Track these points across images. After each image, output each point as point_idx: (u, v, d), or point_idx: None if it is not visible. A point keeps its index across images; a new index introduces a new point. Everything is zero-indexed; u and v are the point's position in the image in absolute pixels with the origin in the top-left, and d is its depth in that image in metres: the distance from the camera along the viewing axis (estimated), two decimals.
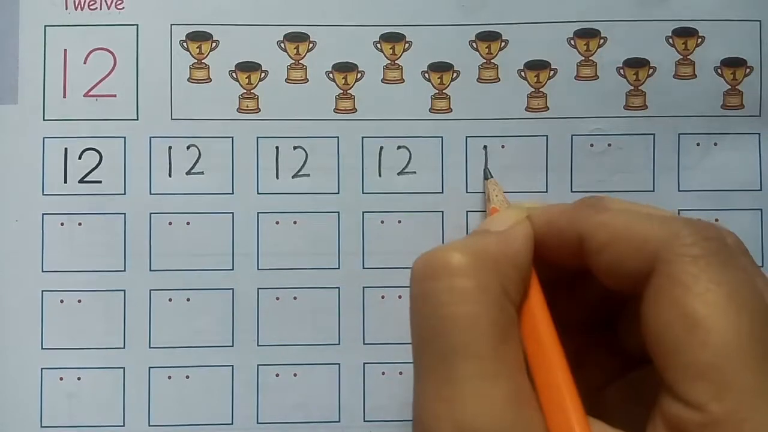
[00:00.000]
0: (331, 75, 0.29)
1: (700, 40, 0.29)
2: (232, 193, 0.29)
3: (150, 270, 0.29)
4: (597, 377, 0.20)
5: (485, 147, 0.29)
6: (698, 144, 0.29)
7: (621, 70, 0.29)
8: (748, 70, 0.29)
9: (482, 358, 0.19)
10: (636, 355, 0.22)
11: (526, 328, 0.20)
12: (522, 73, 0.29)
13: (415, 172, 0.29)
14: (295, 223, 0.29)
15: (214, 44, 0.29)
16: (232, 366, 0.29)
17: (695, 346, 0.17)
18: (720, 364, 0.17)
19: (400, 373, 0.29)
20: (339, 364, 0.29)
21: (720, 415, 0.17)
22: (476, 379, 0.18)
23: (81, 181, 0.29)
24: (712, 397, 0.17)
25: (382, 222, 0.29)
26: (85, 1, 0.29)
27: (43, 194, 0.29)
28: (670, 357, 0.18)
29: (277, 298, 0.29)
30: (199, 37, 0.29)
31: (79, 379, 0.29)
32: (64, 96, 0.29)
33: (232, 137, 0.29)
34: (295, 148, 0.29)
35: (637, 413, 0.19)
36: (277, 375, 0.29)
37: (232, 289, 0.29)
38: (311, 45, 0.29)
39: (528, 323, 0.21)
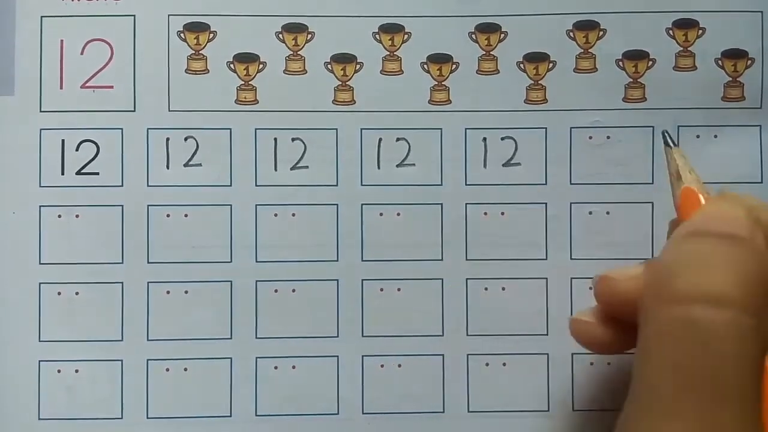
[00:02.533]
0: (329, 66, 0.29)
1: (700, 31, 0.29)
2: (230, 185, 0.29)
3: (148, 262, 0.29)
4: None
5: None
6: (698, 136, 0.29)
7: (620, 63, 0.29)
8: (749, 61, 0.29)
9: (744, 404, 0.17)
10: None
11: None
12: (521, 65, 0.29)
13: (414, 164, 0.29)
14: (293, 215, 0.29)
15: (211, 35, 0.29)
16: (231, 358, 0.29)
17: None
18: None
19: (399, 365, 0.29)
20: (337, 356, 0.29)
21: None
22: (740, 425, 0.17)
23: (78, 172, 0.29)
24: None
25: (381, 214, 0.29)
26: None
27: (41, 186, 0.29)
28: None
29: (276, 291, 0.29)
30: (196, 27, 0.29)
31: (77, 371, 0.29)
32: (61, 87, 0.29)
33: (230, 129, 0.29)
34: (293, 139, 0.29)
35: None
36: (276, 367, 0.29)
37: (231, 281, 0.29)
38: (310, 36, 0.29)
39: None
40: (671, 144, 0.24)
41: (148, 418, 0.29)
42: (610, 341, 0.23)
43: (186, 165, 0.29)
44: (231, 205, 0.29)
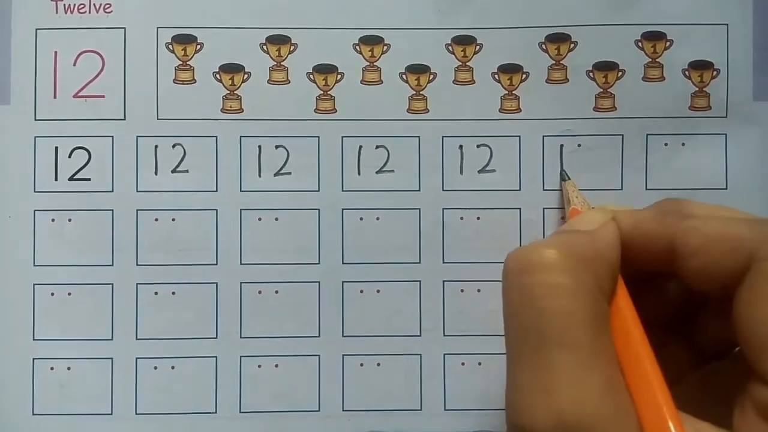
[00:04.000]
0: (311, 76, 0.30)
1: (668, 43, 0.30)
2: (216, 191, 0.30)
3: (137, 264, 0.30)
4: (670, 372, 0.21)
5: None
6: (666, 144, 0.30)
7: (591, 74, 0.30)
8: (715, 72, 0.30)
9: (579, 348, 0.20)
10: (709, 351, 0.24)
11: (614, 324, 0.21)
12: (496, 76, 0.30)
13: (393, 171, 0.30)
14: (276, 219, 0.30)
15: (198, 46, 0.30)
16: (216, 357, 0.30)
17: None
18: None
19: (378, 364, 0.30)
20: (319, 355, 0.30)
21: None
22: (574, 369, 0.19)
23: (71, 178, 0.30)
24: None
25: (361, 219, 0.30)
26: (74, 5, 0.30)
27: (35, 191, 0.30)
28: (765, 349, 0.19)
29: (260, 292, 0.30)
30: (184, 39, 0.30)
31: (69, 369, 0.30)
32: (55, 97, 0.30)
33: (216, 136, 0.30)
34: (277, 147, 0.30)
35: (710, 405, 0.20)
36: (259, 366, 0.30)
37: (216, 283, 0.30)
38: (292, 47, 0.30)
39: (617, 320, 0.21)
40: (565, 178, 0.30)
41: (136, 414, 0.30)
42: None
43: (174, 171, 0.30)
44: (217, 210, 0.30)
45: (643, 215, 0.23)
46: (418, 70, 0.30)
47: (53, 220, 0.30)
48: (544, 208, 0.30)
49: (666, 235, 0.22)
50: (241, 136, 0.30)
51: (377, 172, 0.30)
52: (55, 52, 0.30)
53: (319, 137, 0.30)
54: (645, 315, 0.22)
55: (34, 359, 0.30)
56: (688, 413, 0.20)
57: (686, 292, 0.24)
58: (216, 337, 0.30)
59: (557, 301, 0.20)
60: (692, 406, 0.20)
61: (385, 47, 0.30)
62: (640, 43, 0.30)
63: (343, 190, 0.30)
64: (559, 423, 0.19)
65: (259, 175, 0.30)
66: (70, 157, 0.30)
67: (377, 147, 0.30)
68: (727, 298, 0.21)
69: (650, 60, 0.30)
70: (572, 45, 0.30)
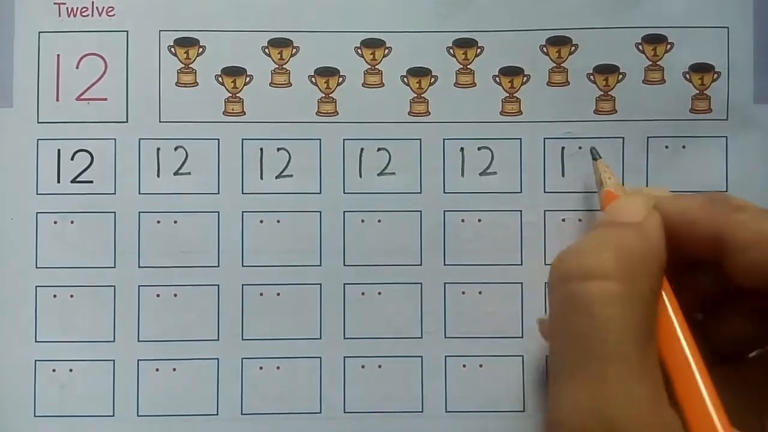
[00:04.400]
0: (313, 79, 0.30)
1: (669, 46, 0.30)
2: (218, 193, 0.30)
3: (139, 266, 0.30)
4: None
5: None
6: (667, 147, 0.30)
7: (591, 76, 0.30)
8: (715, 75, 0.30)
9: (630, 358, 0.19)
10: (724, 352, 0.23)
11: (661, 323, 0.21)
12: (497, 79, 0.30)
13: (394, 173, 0.30)
14: (278, 222, 0.30)
15: (200, 49, 0.30)
16: (218, 359, 0.30)
17: None
18: None
19: (379, 366, 0.30)
20: (320, 357, 0.30)
21: None
22: (625, 380, 0.19)
23: (73, 181, 0.30)
24: None
25: (363, 221, 0.30)
26: (77, 8, 0.30)
27: (37, 194, 0.30)
28: None
29: (261, 294, 0.30)
30: (186, 42, 0.30)
31: (71, 370, 0.30)
32: (57, 99, 0.30)
33: (218, 139, 0.30)
34: (278, 149, 0.30)
35: (732, 407, 0.20)
36: (261, 368, 0.30)
37: (218, 285, 0.30)
38: (294, 50, 0.30)
39: (664, 320, 0.21)
40: (596, 157, 0.29)
41: (138, 415, 0.30)
42: None
43: (176, 173, 0.30)
44: (218, 212, 0.30)
45: (689, 203, 0.22)
46: (419, 72, 0.30)
47: (55, 222, 0.30)
48: (545, 211, 0.30)
49: (714, 226, 0.21)
50: (243, 139, 0.30)
51: (378, 175, 0.30)
52: (58, 55, 0.30)
53: (320, 140, 0.30)
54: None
55: (35, 361, 0.30)
56: None
57: (714, 286, 0.23)
58: (217, 339, 0.30)
59: (613, 310, 0.19)
60: None
61: (387, 50, 0.30)
62: (640, 46, 0.30)
63: (344, 193, 0.30)
64: None
65: (261, 178, 0.30)
66: (72, 159, 0.30)
67: (378, 149, 0.30)
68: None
69: (651, 63, 0.30)
70: (573, 48, 0.30)
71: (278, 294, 0.30)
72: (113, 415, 0.30)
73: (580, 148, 0.30)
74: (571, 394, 0.20)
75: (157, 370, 0.30)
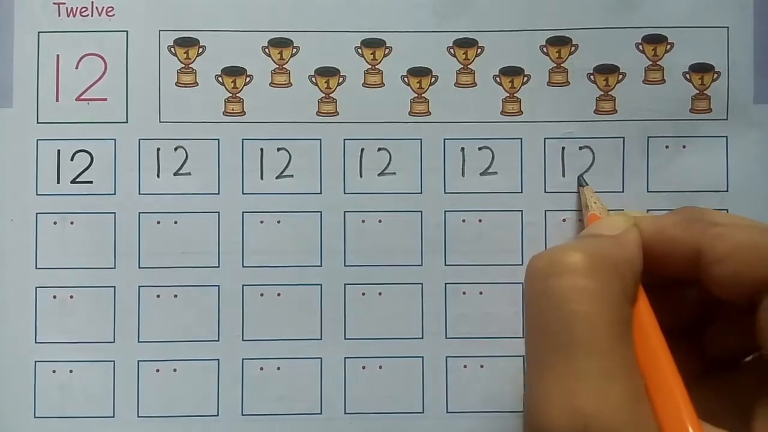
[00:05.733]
0: (313, 79, 0.30)
1: (669, 46, 0.30)
2: (218, 194, 0.30)
3: (139, 267, 0.30)
4: None
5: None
6: (667, 147, 0.30)
7: (591, 76, 0.30)
8: (715, 75, 0.30)
9: (603, 354, 0.19)
10: (717, 360, 0.24)
11: (636, 330, 0.21)
12: (497, 79, 0.30)
13: (394, 173, 0.30)
14: (278, 222, 0.30)
15: (200, 49, 0.30)
16: (218, 360, 0.30)
17: None
18: None
19: (380, 367, 0.30)
20: (321, 358, 0.30)
21: None
22: (597, 375, 0.19)
23: (73, 181, 0.30)
24: None
25: (363, 221, 0.30)
26: (77, 8, 0.30)
27: (37, 194, 0.30)
28: None
29: (261, 295, 0.30)
30: (186, 42, 0.30)
31: (71, 371, 0.30)
32: (57, 100, 0.30)
33: (218, 139, 0.30)
34: (279, 149, 0.30)
35: (723, 413, 0.21)
36: (261, 369, 0.30)
37: (218, 285, 0.30)
38: (294, 50, 0.30)
39: (638, 326, 0.21)
40: (583, 184, 0.30)
41: (138, 416, 0.30)
42: None
43: (176, 174, 0.30)
44: (219, 213, 0.30)
45: (667, 221, 0.23)
46: (419, 72, 0.30)
47: (55, 222, 0.30)
48: (545, 211, 0.30)
49: (691, 242, 0.22)
50: (243, 139, 0.30)
51: (379, 175, 0.30)
52: (58, 55, 0.30)
53: (321, 140, 0.30)
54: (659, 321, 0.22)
55: (35, 362, 0.30)
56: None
57: (698, 300, 0.24)
58: (218, 340, 0.30)
59: (584, 306, 0.20)
60: (704, 414, 0.20)
61: (387, 50, 0.30)
62: (640, 46, 0.30)
63: (345, 193, 0.30)
64: (583, 429, 0.19)
65: (261, 178, 0.30)
66: (72, 159, 0.30)
67: (379, 149, 0.30)
68: (750, 306, 0.21)
69: (651, 63, 0.30)
70: (573, 48, 0.30)
71: (279, 294, 0.30)
72: (113, 416, 0.30)
73: (580, 148, 0.30)
74: (545, 389, 0.20)
75: (157, 370, 0.30)
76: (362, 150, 0.30)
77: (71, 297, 0.30)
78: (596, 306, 0.20)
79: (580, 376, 0.19)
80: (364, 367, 0.30)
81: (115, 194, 0.30)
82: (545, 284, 0.21)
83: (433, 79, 0.30)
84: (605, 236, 0.22)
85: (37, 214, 0.30)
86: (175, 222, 0.30)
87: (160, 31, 0.30)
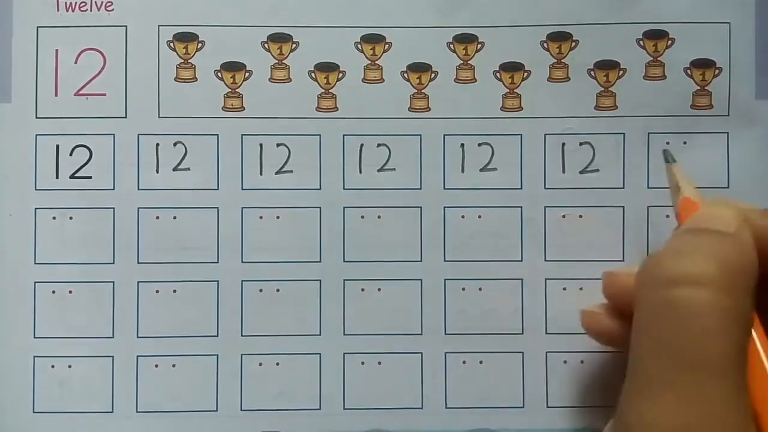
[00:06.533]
0: (313, 74, 0.30)
1: (670, 42, 0.30)
2: (217, 189, 0.30)
3: (138, 262, 0.30)
4: None
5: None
6: (668, 143, 0.30)
7: (592, 72, 0.30)
8: (716, 71, 0.30)
9: (729, 380, 0.18)
10: None
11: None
12: (497, 74, 0.30)
13: (394, 169, 0.30)
14: (278, 217, 0.30)
15: (200, 45, 0.30)
16: (217, 355, 0.30)
17: None
18: None
19: (379, 362, 0.30)
20: (320, 353, 0.30)
21: None
22: (719, 401, 0.18)
23: (72, 176, 0.30)
24: None
25: (363, 217, 0.30)
26: (75, 3, 0.30)
27: (36, 189, 0.30)
28: None
29: (261, 290, 0.30)
30: (185, 37, 0.30)
31: (70, 366, 0.30)
32: (56, 95, 0.30)
33: (218, 135, 0.30)
34: (278, 145, 0.30)
35: None
36: (260, 364, 0.30)
37: (217, 281, 0.30)
38: (294, 45, 0.30)
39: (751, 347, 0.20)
40: (670, 160, 0.27)
41: (137, 411, 0.30)
42: (618, 333, 0.24)
43: (175, 169, 0.30)
44: (218, 208, 0.30)
45: None
46: (419, 68, 0.30)
47: (54, 218, 0.30)
48: (545, 207, 0.30)
49: None
50: (242, 134, 0.30)
51: (378, 171, 0.30)
52: (57, 50, 0.30)
53: (320, 135, 0.30)
54: None
55: (34, 357, 0.30)
56: None
57: None
58: (217, 335, 0.30)
59: (717, 322, 0.18)
60: None
61: (387, 46, 0.30)
62: (641, 42, 0.30)
63: (344, 189, 0.30)
64: None
65: (261, 173, 0.30)
66: (71, 155, 0.30)
67: (378, 145, 0.30)
68: None
69: (652, 58, 0.30)
70: (573, 43, 0.30)
71: (278, 290, 0.30)
72: (112, 411, 0.30)
73: (580, 144, 0.30)
74: (654, 409, 0.18)
75: (156, 366, 0.30)
76: (362, 146, 0.30)
77: (70, 292, 0.30)
78: (729, 323, 0.18)
79: (702, 399, 0.18)
80: (363, 363, 0.30)
81: (114, 189, 0.30)
82: (669, 294, 0.19)
83: (432, 75, 0.30)
84: (723, 234, 0.20)
85: (35, 209, 0.30)
86: (174, 217, 0.30)
87: (159, 26, 0.30)
